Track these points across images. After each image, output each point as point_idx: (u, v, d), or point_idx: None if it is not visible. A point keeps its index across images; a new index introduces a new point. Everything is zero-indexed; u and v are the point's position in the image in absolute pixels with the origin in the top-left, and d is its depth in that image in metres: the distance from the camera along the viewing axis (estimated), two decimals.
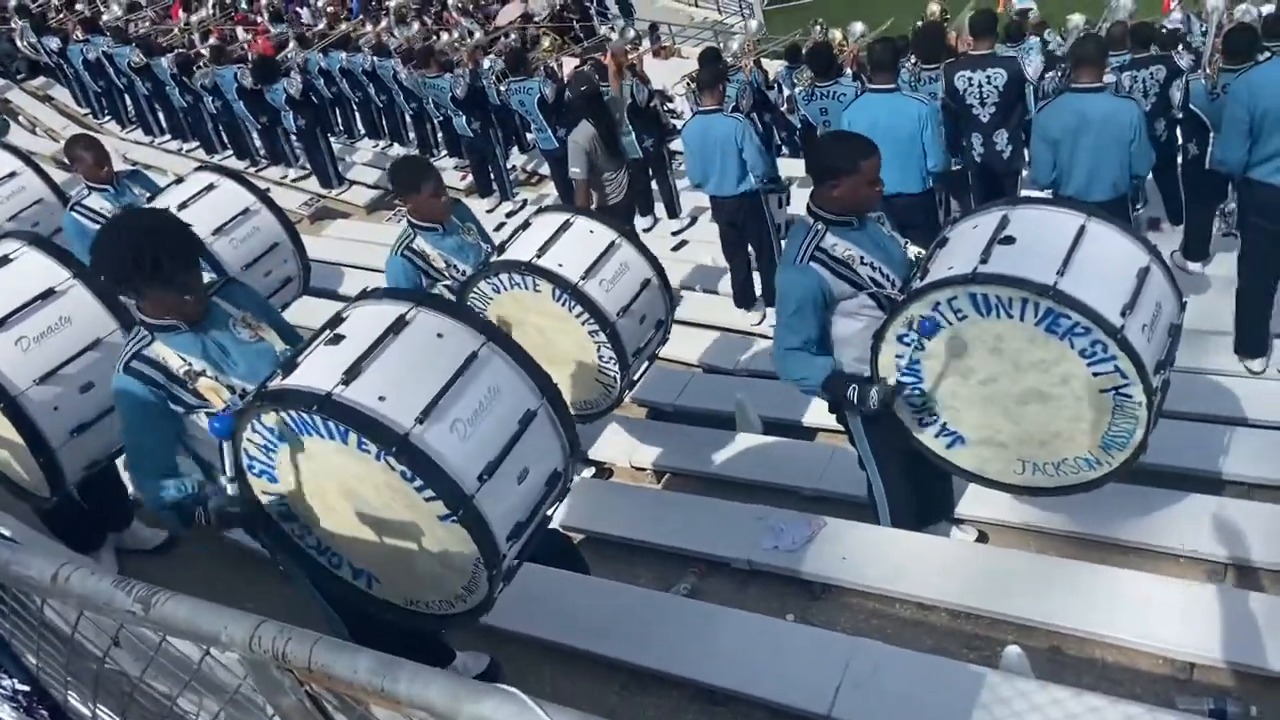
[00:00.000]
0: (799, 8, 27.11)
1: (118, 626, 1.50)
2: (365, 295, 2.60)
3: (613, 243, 4.01)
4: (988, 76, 6.11)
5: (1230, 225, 5.84)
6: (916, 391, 3.18)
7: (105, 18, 16.03)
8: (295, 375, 2.35)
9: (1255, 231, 4.82)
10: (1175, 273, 3.13)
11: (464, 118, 9.71)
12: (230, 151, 12.28)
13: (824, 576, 3.81)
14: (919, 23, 11.09)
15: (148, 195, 5.21)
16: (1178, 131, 6.62)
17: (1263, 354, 5.01)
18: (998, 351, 2.94)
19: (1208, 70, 6.01)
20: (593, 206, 6.27)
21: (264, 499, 2.53)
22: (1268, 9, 7.62)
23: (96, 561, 4.16)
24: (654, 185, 8.96)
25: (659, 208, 9.09)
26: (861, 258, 3.25)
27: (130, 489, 4.39)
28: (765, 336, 6.38)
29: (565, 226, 3.99)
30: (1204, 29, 7.78)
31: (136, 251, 2.51)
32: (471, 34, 13.25)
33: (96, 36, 13.67)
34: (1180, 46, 7.45)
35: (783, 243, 6.31)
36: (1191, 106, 6.11)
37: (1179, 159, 6.67)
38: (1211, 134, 5.83)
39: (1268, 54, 5.49)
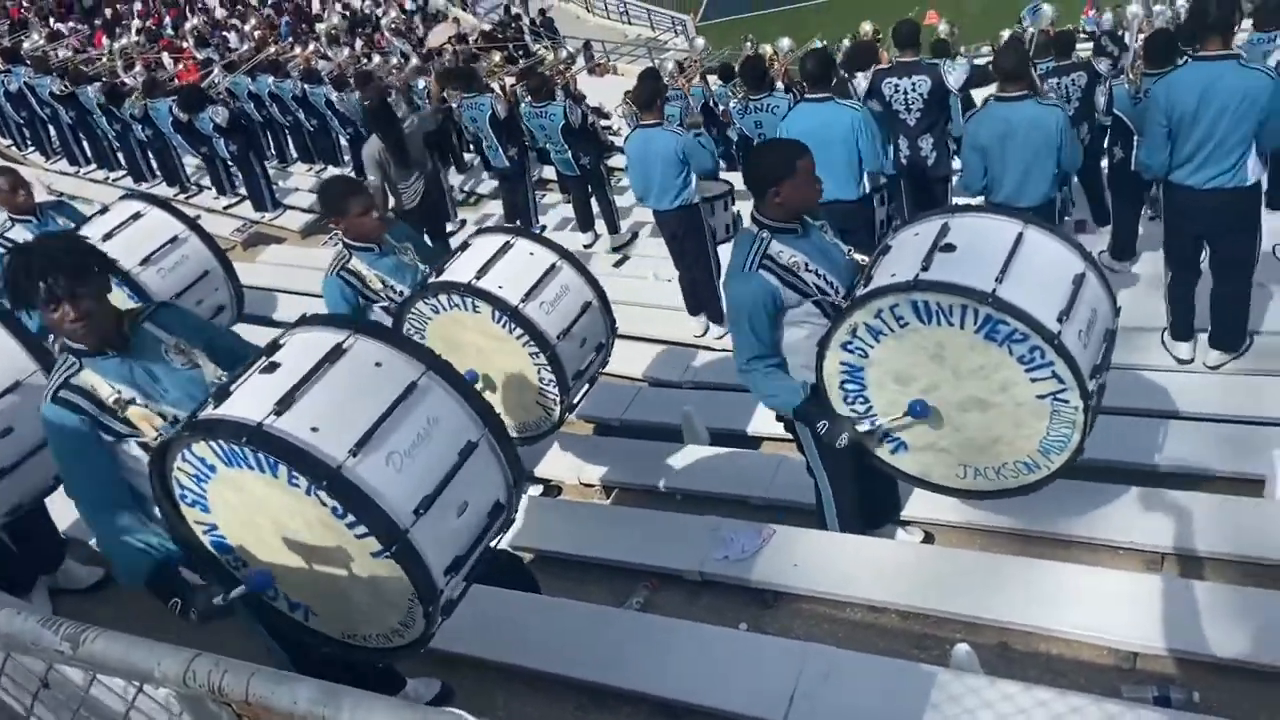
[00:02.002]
0: (729, 24, 27.51)
1: (47, 667, 1.45)
2: (303, 321, 2.54)
3: (553, 265, 3.99)
4: (913, 83, 6.27)
5: (1158, 211, 6.01)
6: (859, 399, 3.21)
7: (26, 45, 15.67)
8: (227, 405, 2.28)
9: (1175, 230, 4.96)
10: (1107, 274, 3.20)
11: None
12: (160, 179, 12.05)
13: (775, 584, 3.82)
14: (845, 40, 11.32)
15: (73, 225, 5.08)
16: (1103, 135, 6.81)
17: (1187, 339, 5.15)
18: (939, 358, 2.97)
19: (1130, 75, 6.19)
20: (390, 213, 6.69)
21: (197, 529, 2.46)
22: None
23: (29, 603, 4.02)
24: (593, 202, 8.98)
25: (599, 224, 9.09)
26: (806, 264, 3.28)
27: (65, 527, 4.30)
28: (709, 348, 6.41)
29: (506, 248, 3.96)
30: (1123, 33, 8.03)
31: (20, 272, 2.45)
32: (406, 58, 13.20)
33: (17, 66, 13.36)
34: (1098, 53, 7.66)
35: (722, 249, 6.37)
36: (1116, 111, 6.29)
37: (1105, 162, 6.85)
38: (1136, 137, 6.00)
39: (1184, 59, 5.67)
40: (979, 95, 7.10)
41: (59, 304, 2.49)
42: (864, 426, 3.23)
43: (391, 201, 6.88)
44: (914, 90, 6.26)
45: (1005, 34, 9.84)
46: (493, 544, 2.59)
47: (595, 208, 9.02)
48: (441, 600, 2.37)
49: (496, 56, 12.55)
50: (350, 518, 2.17)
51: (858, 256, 3.43)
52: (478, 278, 3.82)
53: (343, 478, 2.16)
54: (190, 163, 11.92)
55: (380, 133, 6.78)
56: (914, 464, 3.34)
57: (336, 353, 2.38)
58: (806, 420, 3.39)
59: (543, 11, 27.23)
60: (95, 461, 2.61)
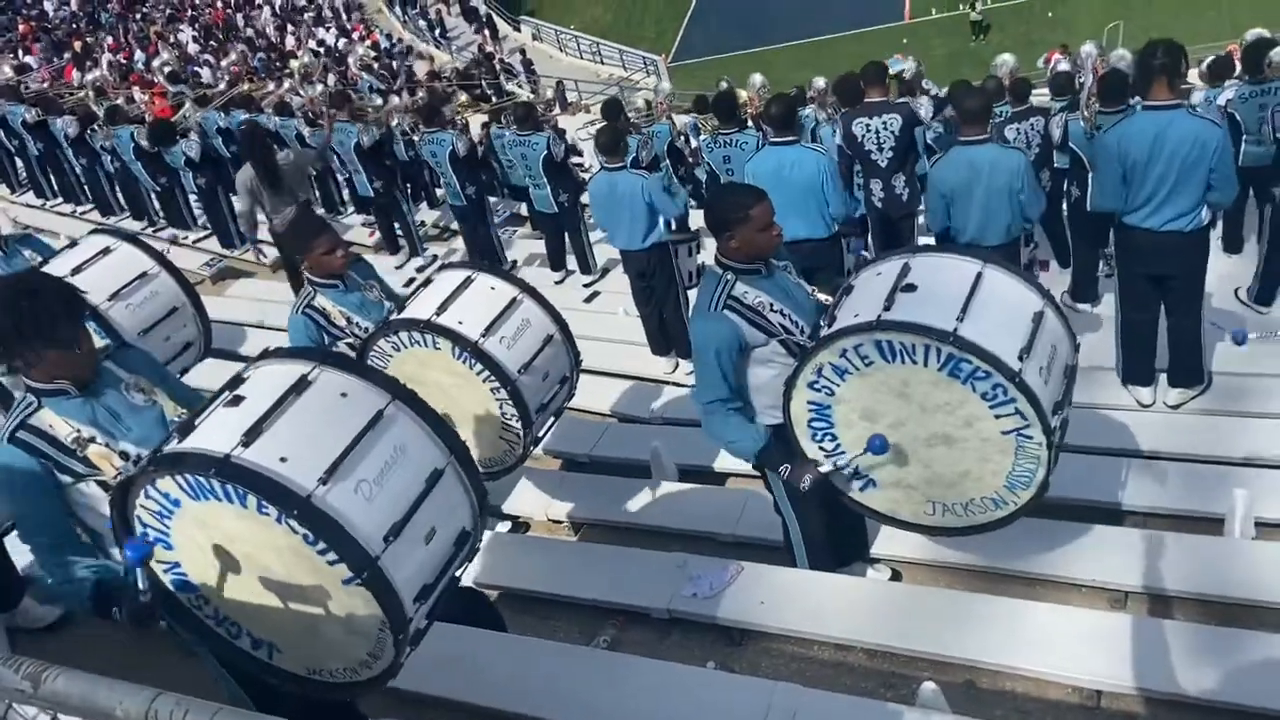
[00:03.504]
0: (700, 65, 27.92)
1: (5, 707, 1.42)
2: (266, 355, 2.53)
3: (514, 299, 3.99)
4: (884, 122, 6.35)
5: (1111, 267, 6.15)
6: (827, 436, 3.24)
7: None
8: (192, 438, 2.27)
9: (1129, 272, 5.06)
10: (1068, 314, 3.26)
11: (364, 175, 9.59)
12: (128, 213, 11.96)
13: (743, 622, 3.82)
14: (816, 80, 11.46)
15: (39, 259, 5.03)
16: (1064, 179, 6.95)
17: (1148, 384, 5.24)
18: (904, 396, 3.00)
19: (1085, 113, 6.34)
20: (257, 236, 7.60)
21: (159, 568, 2.43)
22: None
23: None
24: (567, 241, 8.99)
25: (571, 260, 9.11)
26: (771, 305, 3.32)
27: (24, 565, 4.22)
28: (679, 384, 6.44)
29: (466, 283, 3.97)
30: (1079, 74, 8.22)
31: (18, 315, 2.43)
32: (383, 95, 13.23)
33: None
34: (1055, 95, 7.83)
35: (691, 293, 6.44)
36: (1071, 145, 6.42)
37: (1063, 203, 6.99)
38: (1090, 174, 6.13)
39: (1135, 101, 5.82)
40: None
41: (73, 340, 2.50)
42: (825, 468, 3.25)
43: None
44: (885, 129, 6.35)
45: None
46: (458, 573, 2.58)
47: (568, 245, 9.04)
48: (410, 629, 2.36)
49: (464, 97, 12.59)
50: (321, 545, 2.16)
51: (821, 296, 3.47)
52: (438, 314, 3.83)
53: (313, 506, 2.15)
54: None
55: (253, 161, 7.17)
56: (882, 501, 3.36)
57: (302, 384, 2.37)
58: (768, 465, 3.41)
59: (522, 51, 27.54)
60: (49, 503, 2.57)
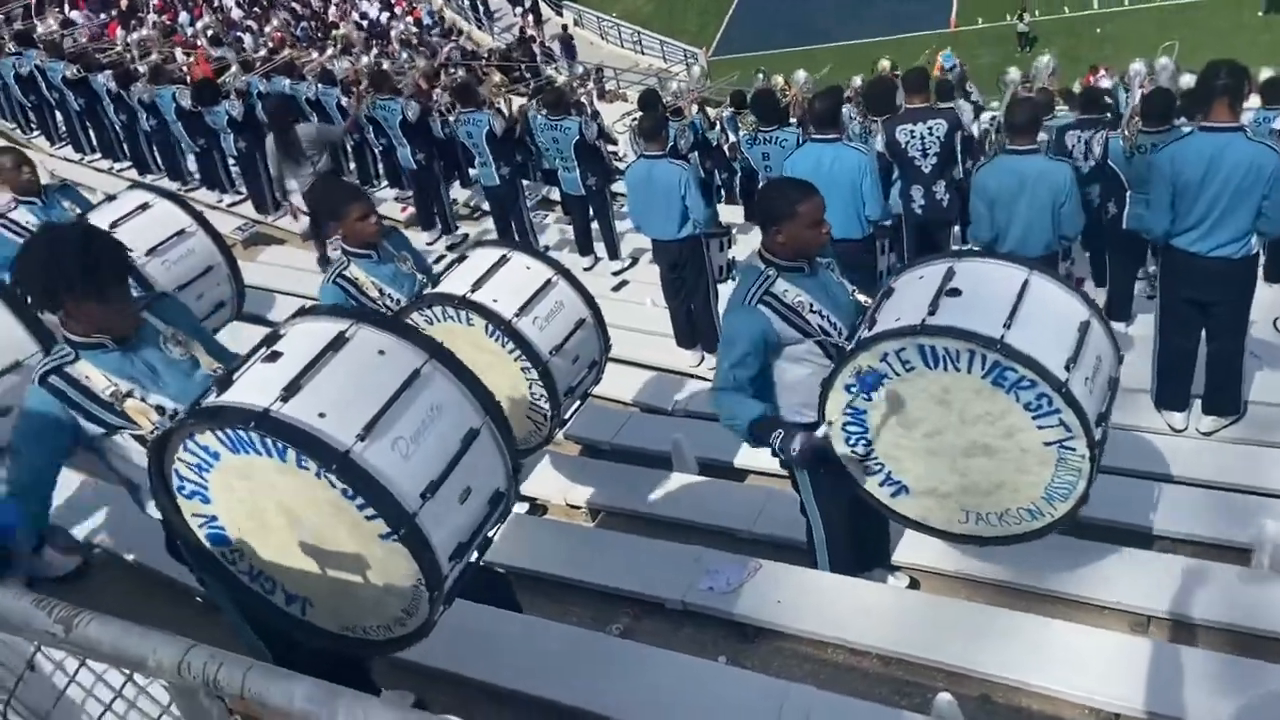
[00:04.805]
0: (741, 60, 27.84)
1: (33, 650, 1.41)
2: (303, 312, 2.53)
3: (549, 280, 3.97)
4: (929, 128, 6.28)
5: (1154, 289, 6.08)
6: (861, 441, 3.20)
7: (39, 31, 15.69)
8: (231, 392, 2.27)
9: (1172, 295, 5.00)
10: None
11: (409, 149, 9.60)
12: (164, 173, 12.02)
13: (757, 619, 3.79)
14: (856, 79, 11.38)
15: (78, 211, 5.05)
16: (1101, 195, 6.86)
17: (1182, 409, 5.18)
18: (944, 403, 2.95)
19: (1126, 132, 6.25)
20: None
21: (194, 522, 2.43)
22: (1186, 79, 7.98)
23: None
24: (595, 228, 8.97)
25: (599, 247, 9.09)
26: (811, 305, 3.28)
27: (53, 512, 4.24)
28: (703, 378, 6.42)
29: (501, 262, 3.95)
30: (1127, 96, 8.12)
31: (69, 261, 2.44)
32: (414, 61, 13.26)
33: (29, 50, 13.35)
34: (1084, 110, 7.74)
35: (720, 287, 6.41)
36: (1110, 163, 6.34)
37: (1101, 220, 6.90)
38: (1128, 192, 6.05)
39: (1189, 129, 5.73)
40: None
41: (119, 297, 2.53)
42: (821, 431, 3.13)
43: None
44: (930, 134, 6.28)
45: (1011, 72, 9.86)
46: (492, 534, 2.57)
47: (596, 232, 9.02)
48: (446, 586, 2.36)
49: (497, 76, 12.54)
50: (360, 500, 2.17)
51: (861, 297, 3.43)
52: (473, 290, 3.81)
53: (351, 462, 2.15)
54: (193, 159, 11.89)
55: (276, 134, 8.21)
56: (915, 508, 3.30)
57: (339, 341, 2.37)
58: (758, 436, 3.30)
59: (564, 28, 27.54)
60: (47, 450, 2.57)
